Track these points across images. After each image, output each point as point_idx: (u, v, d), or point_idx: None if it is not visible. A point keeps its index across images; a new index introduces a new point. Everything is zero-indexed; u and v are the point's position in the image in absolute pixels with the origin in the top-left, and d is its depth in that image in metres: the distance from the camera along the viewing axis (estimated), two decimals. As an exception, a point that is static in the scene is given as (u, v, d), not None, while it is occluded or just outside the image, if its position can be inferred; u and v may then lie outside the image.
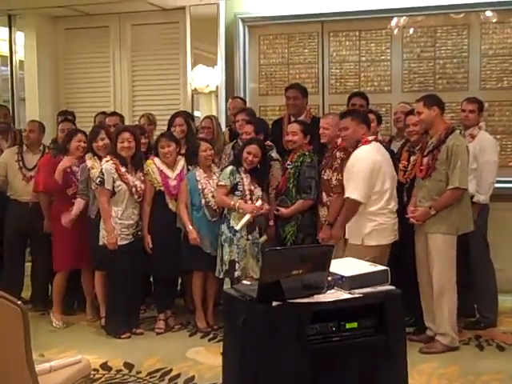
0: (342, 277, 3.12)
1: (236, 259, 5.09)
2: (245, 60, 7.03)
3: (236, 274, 5.08)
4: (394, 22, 6.55)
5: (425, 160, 4.74)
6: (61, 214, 5.32)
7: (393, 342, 3.10)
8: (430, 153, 4.71)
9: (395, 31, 6.55)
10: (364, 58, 6.72)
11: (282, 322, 2.92)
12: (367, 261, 3.40)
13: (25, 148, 5.92)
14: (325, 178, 5.01)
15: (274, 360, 2.91)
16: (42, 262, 5.79)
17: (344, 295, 3.07)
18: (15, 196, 5.86)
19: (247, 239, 5.11)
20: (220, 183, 5.21)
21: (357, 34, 6.74)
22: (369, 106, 5.85)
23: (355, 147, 4.75)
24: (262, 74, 7.05)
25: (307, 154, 5.13)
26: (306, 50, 6.86)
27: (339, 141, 4.98)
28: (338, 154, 4.96)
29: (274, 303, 2.91)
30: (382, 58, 6.67)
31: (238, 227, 5.06)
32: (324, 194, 5.02)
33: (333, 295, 3.06)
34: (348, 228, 4.78)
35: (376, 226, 4.68)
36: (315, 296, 3.02)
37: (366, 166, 4.64)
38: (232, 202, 5.10)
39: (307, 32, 6.84)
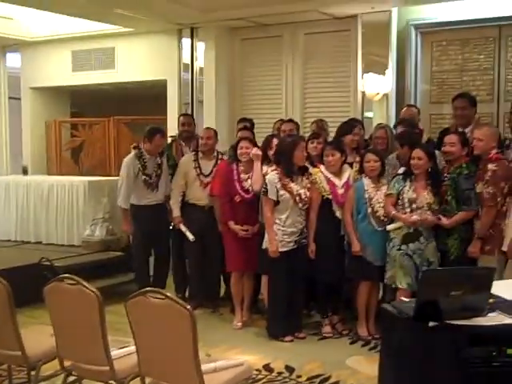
0: (506, 300, 3.04)
1: (386, 267, 5.13)
2: (416, 67, 6.97)
3: (385, 281, 5.17)
4: None
5: None
6: (229, 218, 5.62)
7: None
8: None
9: None
10: (544, 63, 6.39)
11: (438, 343, 2.90)
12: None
13: (200, 155, 6.17)
14: (477, 191, 4.87)
15: (428, 381, 2.90)
16: (215, 263, 6.05)
17: (506, 320, 2.97)
18: (193, 200, 6.14)
19: (399, 249, 5.07)
20: (388, 192, 5.23)
21: (537, 37, 6.42)
22: None
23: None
24: (434, 82, 6.94)
25: (464, 165, 4.99)
26: (482, 56, 6.65)
27: (493, 152, 4.84)
28: (489, 166, 4.80)
29: (431, 323, 2.90)
30: None
31: (388, 227, 5.14)
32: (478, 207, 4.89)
33: (494, 319, 2.97)
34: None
35: None
36: (475, 318, 2.96)
37: None
38: (393, 212, 5.10)
39: (483, 37, 6.62)
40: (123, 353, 3.49)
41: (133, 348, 3.35)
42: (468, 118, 5.62)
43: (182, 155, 6.40)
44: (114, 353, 3.44)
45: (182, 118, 6.84)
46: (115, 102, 10.11)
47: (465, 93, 5.94)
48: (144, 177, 6.14)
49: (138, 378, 3.36)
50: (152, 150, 6.17)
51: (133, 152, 6.20)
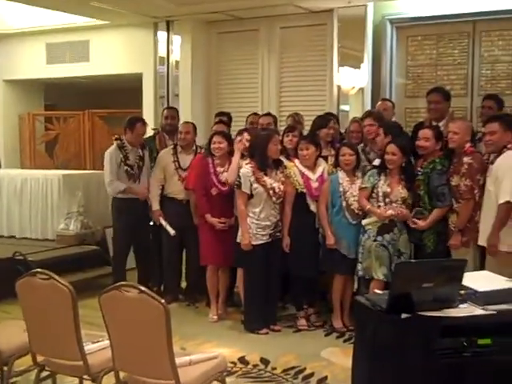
0: (476, 292, 3.08)
1: (359, 259, 5.17)
2: (392, 61, 7.00)
3: (359, 273, 5.20)
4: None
5: None
6: (206, 211, 5.62)
7: (528, 362, 3.01)
8: None
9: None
10: (518, 58, 6.45)
11: (410, 334, 2.94)
12: None
13: (179, 149, 6.16)
14: (453, 184, 4.91)
15: (401, 371, 2.93)
16: (195, 257, 5.99)
17: (477, 311, 3.02)
18: (172, 194, 6.12)
19: (375, 240, 5.10)
20: (362, 186, 5.26)
21: (511, 32, 6.47)
22: (502, 110, 5.67)
23: (499, 153, 4.65)
24: (409, 76, 6.97)
25: (438, 160, 5.03)
26: (456, 51, 6.70)
27: (467, 146, 4.90)
28: (465, 160, 4.85)
29: (403, 315, 2.94)
30: (539, 57, 6.36)
31: (363, 221, 5.17)
32: (453, 200, 4.93)
33: (465, 310, 3.02)
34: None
35: None
36: (446, 310, 3.00)
37: None
38: (368, 206, 5.13)
39: (457, 32, 6.67)
40: (97, 347, 3.48)
41: (107, 342, 3.33)
42: (442, 112, 5.66)
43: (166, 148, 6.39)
44: (88, 347, 3.43)
45: (166, 111, 6.83)
46: (90, 95, 10.04)
47: (439, 87, 5.98)
48: (126, 167, 6.12)
49: (112, 373, 3.34)
50: (134, 140, 6.15)
51: (115, 143, 6.18)
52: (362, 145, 5.70)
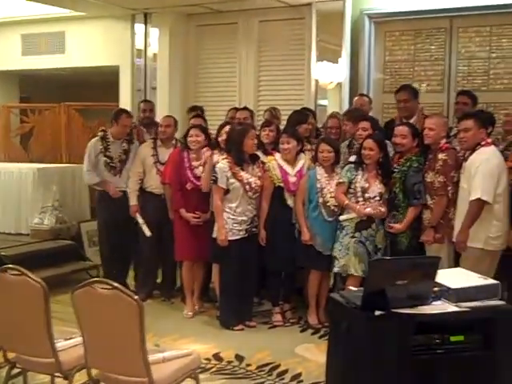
0: (449, 289, 3.09)
1: (337, 255, 5.16)
2: (370, 56, 6.99)
3: (335, 270, 5.19)
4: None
5: None
6: (180, 206, 5.59)
7: (501, 358, 3.03)
8: None
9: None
10: (494, 55, 6.47)
11: (384, 331, 2.94)
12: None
13: (159, 142, 6.12)
14: (428, 180, 4.92)
15: (374, 368, 2.94)
16: (171, 252, 5.91)
17: (450, 308, 3.03)
18: (150, 189, 6.08)
19: (352, 237, 5.11)
20: (339, 181, 5.25)
21: (488, 29, 6.49)
22: (477, 106, 5.71)
23: (473, 149, 4.68)
24: (387, 71, 6.97)
25: (414, 158, 5.04)
26: (433, 47, 6.71)
27: (442, 142, 4.92)
28: (440, 156, 4.87)
29: (377, 312, 2.94)
30: (514, 54, 6.39)
31: (340, 218, 5.16)
32: (427, 196, 4.94)
33: (438, 307, 3.03)
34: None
35: (500, 229, 4.64)
36: (419, 307, 3.01)
37: (492, 167, 4.62)
38: (346, 202, 5.12)
39: (435, 28, 6.68)
40: (69, 344, 3.45)
41: (79, 339, 3.30)
42: (411, 110, 5.65)
43: (144, 141, 6.36)
44: (60, 344, 3.40)
45: (142, 104, 6.83)
46: (66, 87, 9.93)
47: (406, 85, 5.96)
48: (105, 158, 6.10)
49: (85, 370, 3.31)
50: (119, 132, 6.14)
51: (98, 134, 6.20)
52: (347, 141, 5.68)
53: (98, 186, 6.21)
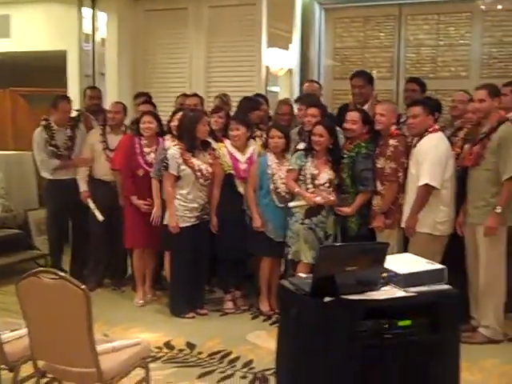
0: (397, 274, 3.12)
1: (288, 243, 5.17)
2: (320, 43, 7.03)
3: (289, 256, 5.19)
4: (475, 5, 6.36)
5: (474, 149, 4.65)
6: (131, 193, 5.53)
7: (446, 342, 3.08)
8: (480, 141, 4.62)
9: (476, 15, 6.36)
10: (442, 43, 6.59)
11: (333, 317, 2.95)
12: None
13: (108, 129, 6.03)
14: (378, 166, 4.97)
15: (324, 354, 2.95)
16: (121, 240, 5.83)
17: (398, 293, 3.06)
18: (99, 176, 6.00)
19: (302, 223, 5.12)
20: (289, 168, 5.25)
21: (436, 17, 6.59)
22: (425, 93, 5.78)
23: (421, 136, 4.74)
24: (337, 58, 7.01)
25: (363, 144, 5.06)
26: (382, 34, 6.78)
27: (393, 128, 4.97)
28: (391, 142, 4.92)
29: (327, 298, 2.95)
30: (461, 42, 6.50)
31: (290, 204, 5.15)
32: (378, 182, 4.99)
33: (386, 292, 3.05)
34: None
35: (447, 215, 4.73)
36: (368, 293, 3.03)
37: (441, 153, 4.70)
38: (297, 189, 5.13)
39: (384, 15, 6.74)
40: (14, 336, 3.37)
41: (25, 330, 3.23)
42: (365, 95, 5.70)
43: (92, 128, 6.27)
44: (5, 336, 3.32)
45: (89, 91, 6.76)
46: (12, 72, 9.62)
47: (361, 71, 5.99)
48: (51, 148, 6.00)
49: (31, 362, 3.24)
50: (60, 119, 6.05)
51: (41, 124, 6.07)
52: (297, 128, 5.68)
53: (59, 169, 6.03)
